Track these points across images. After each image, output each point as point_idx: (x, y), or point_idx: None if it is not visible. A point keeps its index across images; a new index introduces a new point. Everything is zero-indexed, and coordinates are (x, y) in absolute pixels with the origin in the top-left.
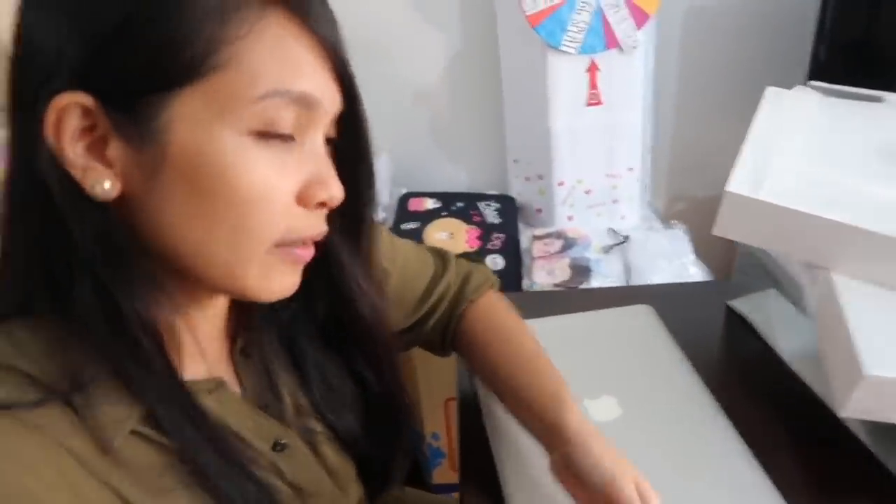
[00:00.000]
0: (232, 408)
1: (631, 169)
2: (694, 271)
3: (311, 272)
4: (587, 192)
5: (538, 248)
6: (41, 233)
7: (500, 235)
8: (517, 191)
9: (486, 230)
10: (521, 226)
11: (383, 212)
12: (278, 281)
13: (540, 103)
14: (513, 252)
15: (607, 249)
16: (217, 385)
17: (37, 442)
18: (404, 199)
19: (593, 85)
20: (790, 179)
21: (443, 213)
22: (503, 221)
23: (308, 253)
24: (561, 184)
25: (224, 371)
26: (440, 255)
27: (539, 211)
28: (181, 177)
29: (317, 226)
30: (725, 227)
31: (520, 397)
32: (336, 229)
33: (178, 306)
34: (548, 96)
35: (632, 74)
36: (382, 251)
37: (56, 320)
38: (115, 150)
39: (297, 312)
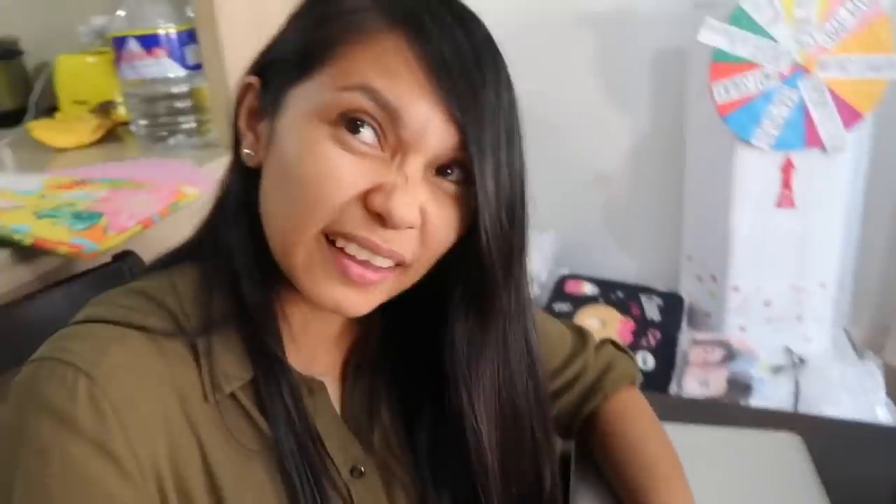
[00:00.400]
0: (324, 416)
1: (823, 285)
2: (882, 414)
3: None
4: (766, 304)
5: (696, 354)
6: (219, 189)
7: (657, 333)
8: (687, 290)
9: (643, 325)
10: (684, 327)
11: (538, 288)
12: (327, 286)
13: (723, 199)
14: (667, 354)
15: (777, 370)
16: (317, 387)
17: (157, 366)
18: (562, 280)
19: (787, 185)
20: None
21: (599, 300)
22: (664, 320)
23: (360, 271)
24: (736, 289)
25: (331, 381)
26: (579, 333)
27: (708, 315)
28: (276, 152)
29: (366, 229)
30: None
31: None
32: (456, 302)
33: (293, 294)
34: (732, 192)
35: (834, 178)
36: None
37: (209, 267)
38: (261, 126)
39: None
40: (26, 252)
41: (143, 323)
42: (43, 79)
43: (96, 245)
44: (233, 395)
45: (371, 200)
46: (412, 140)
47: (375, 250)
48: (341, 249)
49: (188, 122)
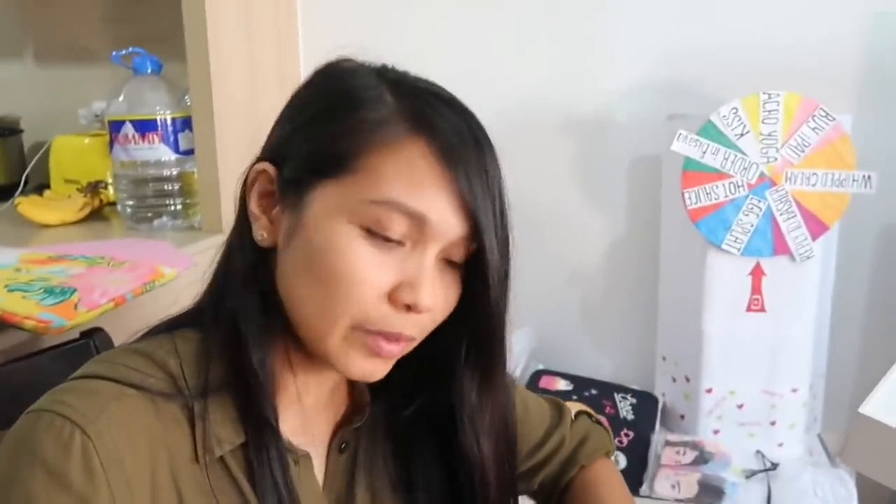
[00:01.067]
0: (307, 488)
1: (795, 390)
2: None
3: (435, 384)
4: (739, 407)
5: (668, 456)
6: (221, 263)
7: (630, 433)
8: (662, 390)
9: (616, 424)
10: (657, 427)
11: None
12: (358, 363)
13: (696, 301)
14: (639, 453)
15: (749, 475)
16: (302, 458)
17: (151, 426)
18: (536, 375)
19: (756, 290)
20: None
21: (573, 397)
22: (637, 419)
23: (389, 348)
24: (709, 391)
25: (316, 455)
26: (557, 407)
27: (682, 417)
28: (304, 243)
29: (399, 325)
30: (855, 456)
31: None
32: (463, 355)
33: (292, 362)
34: (704, 295)
35: (804, 285)
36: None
37: (210, 333)
38: (277, 212)
39: (412, 416)
40: None
41: (142, 383)
42: (37, 156)
43: (64, 321)
44: (221, 459)
45: (400, 296)
46: (432, 234)
47: (400, 338)
48: (371, 336)
49: (174, 205)
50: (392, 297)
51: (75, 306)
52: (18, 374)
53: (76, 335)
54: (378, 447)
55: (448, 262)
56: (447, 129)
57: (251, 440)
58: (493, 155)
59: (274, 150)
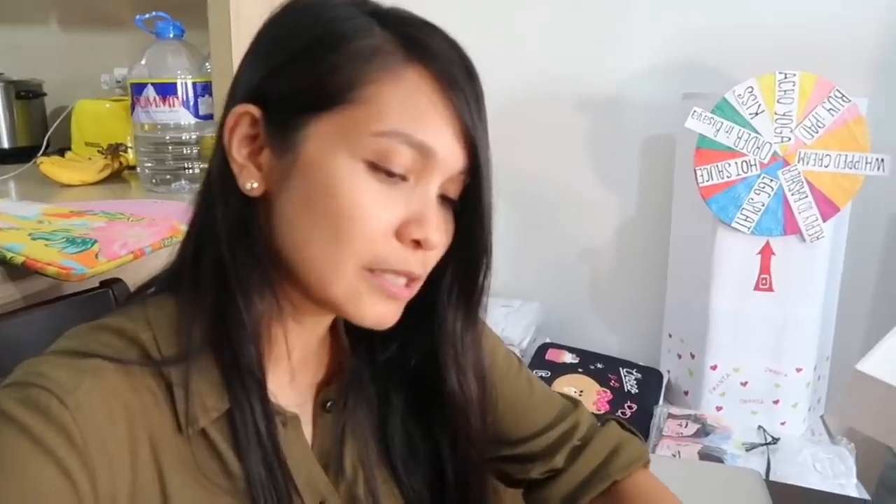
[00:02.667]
0: (295, 449)
1: (799, 370)
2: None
3: (415, 324)
4: (743, 384)
5: (670, 427)
6: (199, 219)
7: (633, 406)
8: (667, 367)
9: (620, 397)
10: (661, 402)
11: (520, 354)
12: (369, 306)
13: (704, 279)
14: (642, 425)
15: (750, 447)
16: (290, 419)
17: (129, 400)
18: (543, 348)
19: (765, 269)
20: None
21: (579, 370)
22: (640, 393)
23: (402, 290)
24: (714, 368)
25: (303, 414)
26: (570, 399)
27: (686, 393)
28: (302, 184)
29: (407, 263)
30: (852, 414)
31: None
32: (447, 290)
33: (282, 315)
34: (713, 273)
35: (813, 266)
36: (499, 366)
37: (189, 295)
38: (265, 157)
39: (391, 361)
40: (16, 271)
41: (117, 356)
42: (60, 120)
43: (85, 269)
44: (203, 432)
45: (408, 232)
46: (435, 167)
47: (411, 276)
48: (383, 276)
49: (192, 169)
50: (400, 234)
51: (96, 256)
52: (40, 320)
53: (96, 284)
54: (362, 402)
55: (442, 198)
56: (443, 56)
57: (237, 403)
58: (480, 83)
59: (252, 91)
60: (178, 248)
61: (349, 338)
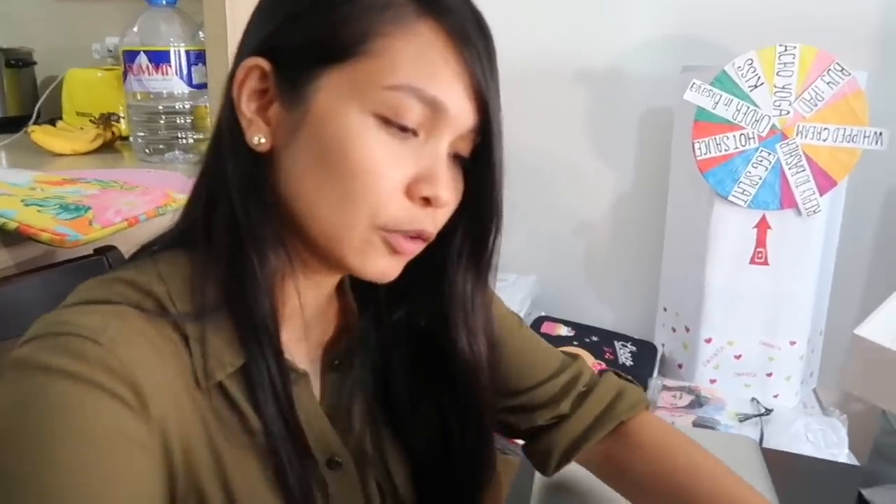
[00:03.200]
0: (305, 405)
1: (794, 343)
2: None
3: (424, 285)
4: (737, 357)
5: (665, 399)
6: (208, 175)
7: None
8: (661, 340)
9: (615, 369)
10: (655, 374)
11: None
12: (374, 262)
13: (700, 253)
14: None
15: (743, 419)
16: (300, 377)
17: (157, 342)
18: (539, 321)
19: (761, 243)
20: None
21: (574, 343)
22: (635, 366)
23: (410, 247)
24: (708, 341)
25: (312, 372)
26: (569, 354)
27: (681, 366)
28: (312, 138)
29: (419, 221)
30: (853, 380)
31: None
32: (457, 252)
33: (294, 271)
34: (709, 247)
35: (808, 240)
36: (506, 322)
37: (202, 252)
38: (274, 111)
39: (399, 322)
40: (10, 237)
41: (136, 305)
42: (51, 89)
43: (80, 235)
44: (220, 385)
45: (418, 189)
46: (446, 123)
47: (422, 236)
48: (393, 235)
49: (186, 139)
50: (410, 191)
51: (90, 222)
52: (33, 287)
53: (90, 251)
54: (368, 362)
55: (453, 157)
56: (456, 11)
57: (252, 358)
58: (493, 41)
59: (262, 44)
60: (186, 205)
61: (356, 299)
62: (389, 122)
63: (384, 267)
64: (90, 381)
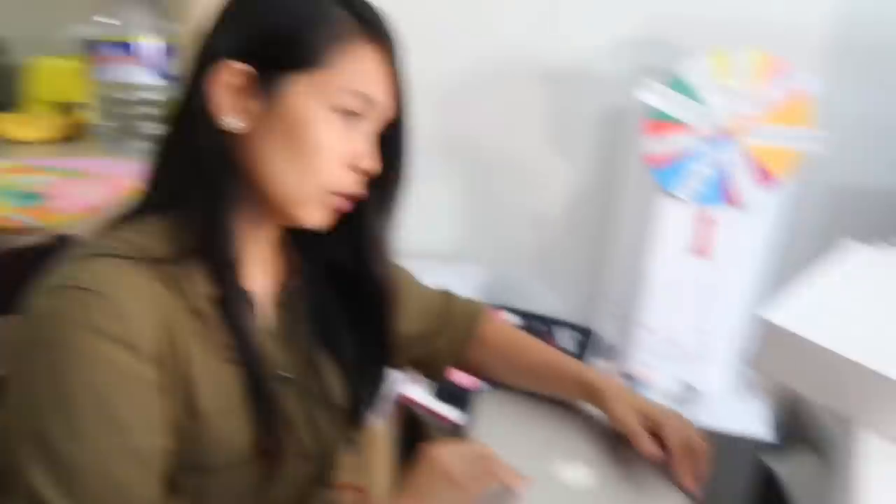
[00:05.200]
0: (262, 329)
1: (727, 331)
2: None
3: (349, 232)
4: (672, 344)
5: None
6: (182, 151)
7: None
8: (604, 327)
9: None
10: (594, 360)
11: None
12: (316, 215)
13: (644, 246)
14: None
15: (671, 398)
16: (259, 306)
17: (152, 286)
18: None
19: (703, 237)
20: (836, 322)
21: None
22: (576, 350)
23: (347, 204)
24: (647, 328)
25: (267, 304)
26: (444, 292)
27: (618, 351)
28: (280, 125)
29: (357, 186)
30: (760, 362)
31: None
32: (374, 203)
33: (251, 224)
34: (652, 240)
35: (748, 234)
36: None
37: (172, 216)
38: (251, 104)
39: (330, 263)
40: None
41: (129, 254)
42: (15, 77)
43: (38, 222)
44: (199, 312)
45: (358, 163)
46: (380, 115)
47: (355, 197)
48: (336, 198)
49: (153, 129)
50: (352, 164)
51: (48, 211)
52: None
53: (48, 239)
54: (310, 296)
55: (376, 135)
56: (387, 34)
57: (225, 290)
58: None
59: (241, 49)
60: (150, 178)
61: (297, 248)
62: (341, 112)
63: (322, 218)
64: (105, 333)
